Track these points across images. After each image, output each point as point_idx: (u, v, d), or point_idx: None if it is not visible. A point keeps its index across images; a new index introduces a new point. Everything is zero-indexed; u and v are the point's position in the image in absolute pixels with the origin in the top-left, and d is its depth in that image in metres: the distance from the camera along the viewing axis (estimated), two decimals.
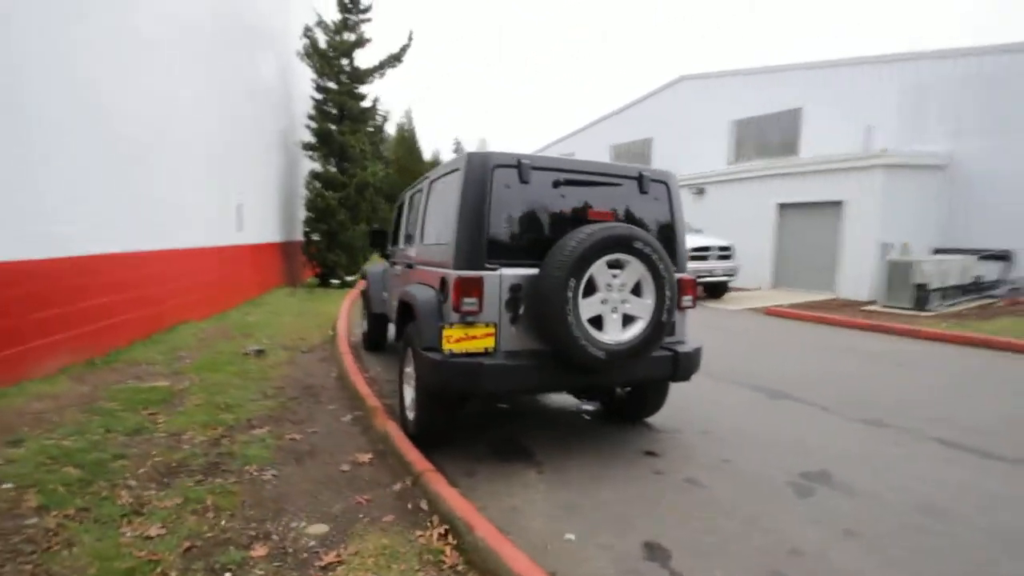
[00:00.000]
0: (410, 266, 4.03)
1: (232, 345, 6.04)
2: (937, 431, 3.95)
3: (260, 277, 9.95)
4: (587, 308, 2.92)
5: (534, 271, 3.01)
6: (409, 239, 4.42)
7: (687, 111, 20.73)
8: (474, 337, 2.92)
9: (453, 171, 3.27)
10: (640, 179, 3.39)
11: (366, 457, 3.18)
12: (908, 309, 10.28)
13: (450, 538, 2.33)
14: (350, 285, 12.18)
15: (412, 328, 3.39)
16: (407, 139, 31.71)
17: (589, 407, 4.39)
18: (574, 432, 3.84)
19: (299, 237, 12.24)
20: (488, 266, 2.97)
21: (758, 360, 6.27)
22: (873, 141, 15.07)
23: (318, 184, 11.22)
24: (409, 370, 3.63)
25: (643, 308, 3.06)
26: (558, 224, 3.14)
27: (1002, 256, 12.85)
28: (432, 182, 3.81)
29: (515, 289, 3.00)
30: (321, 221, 11.22)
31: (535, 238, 3.10)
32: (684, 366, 3.38)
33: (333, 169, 11.49)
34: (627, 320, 3.06)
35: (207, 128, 7.65)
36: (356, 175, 11.45)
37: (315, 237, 11.64)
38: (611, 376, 3.18)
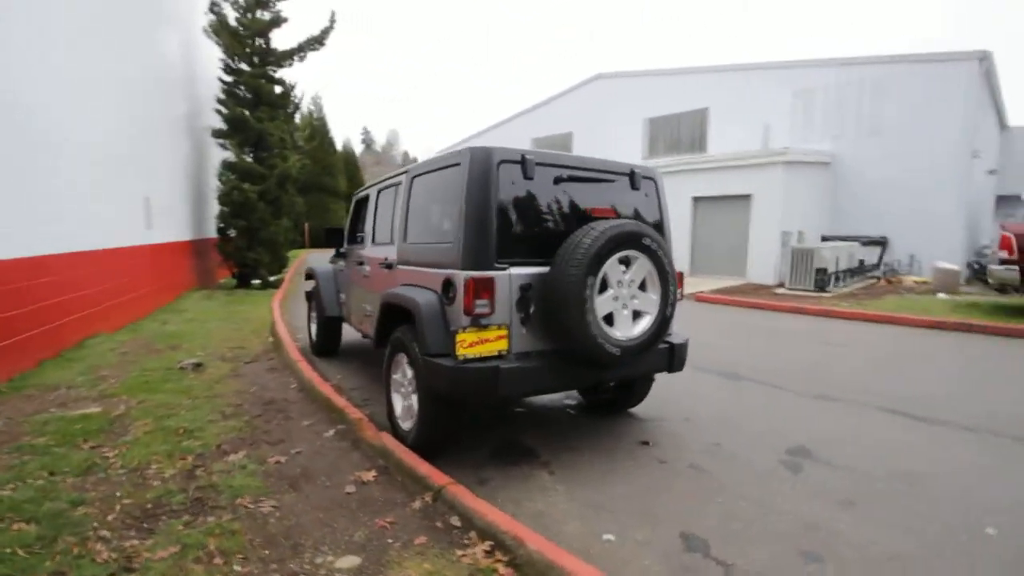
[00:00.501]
0: (389, 266, 3.78)
1: (160, 360, 5.35)
2: (878, 402, 4.43)
3: (173, 280, 8.90)
4: (601, 305, 2.91)
5: (543, 269, 2.95)
6: (382, 238, 4.15)
7: (605, 108, 21.49)
8: (487, 340, 2.81)
9: (450, 166, 3.10)
10: (632, 175, 3.43)
11: (369, 475, 2.95)
12: (810, 291, 11.45)
13: (498, 555, 2.22)
14: (274, 286, 11.29)
15: (407, 333, 3.19)
16: (317, 128, 29.91)
17: (571, 401, 4.42)
18: (566, 427, 3.84)
19: (211, 234, 11.11)
20: (498, 266, 2.85)
21: (707, 345, 6.67)
22: (770, 140, 16.62)
23: (233, 176, 10.21)
24: (398, 377, 3.43)
25: (650, 303, 3.11)
26: (563, 221, 3.09)
27: (880, 242, 14.76)
28: (415, 177, 3.59)
29: (525, 288, 2.92)
30: (239, 216, 10.25)
31: (542, 236, 3.03)
32: (679, 358, 3.50)
33: (250, 159, 10.51)
34: (635, 316, 3.10)
35: (103, 108, 6.66)
36: (276, 166, 10.58)
37: (231, 234, 10.62)
38: (619, 372, 3.21)
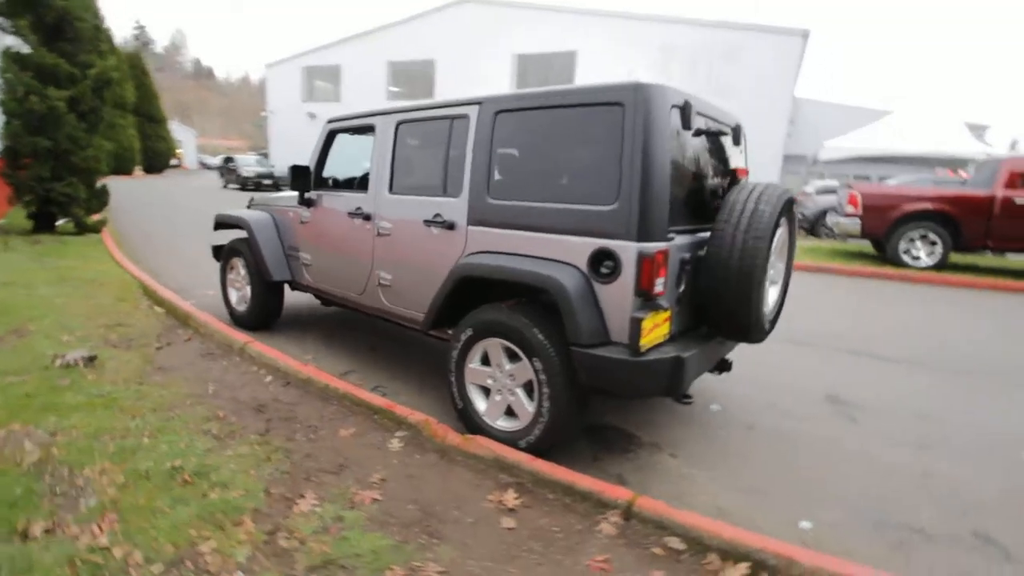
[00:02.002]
0: (449, 226, 2.93)
1: (14, 353, 3.59)
2: (838, 344, 5.06)
3: None
4: None
5: (697, 237, 2.57)
6: (415, 186, 3.20)
7: (472, 37, 20.22)
8: (658, 325, 2.36)
9: (596, 104, 2.41)
10: (738, 129, 3.14)
11: (510, 498, 2.34)
12: None
13: None
14: (94, 229, 8.47)
15: (518, 317, 2.54)
16: None
17: None
18: (632, 401, 3.59)
19: None
20: (669, 235, 2.37)
21: None
22: None
23: (27, 74, 7.03)
24: (477, 367, 2.78)
25: (779, 272, 2.94)
26: (712, 180, 2.70)
27: None
28: (501, 113, 2.75)
29: (685, 261, 2.50)
30: (39, 133, 7.21)
31: (695, 198, 2.61)
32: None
33: (51, 52, 7.31)
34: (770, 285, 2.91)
35: None
36: (93, 64, 7.62)
37: (23, 156, 7.49)
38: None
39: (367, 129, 3.60)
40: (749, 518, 2.37)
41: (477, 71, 20.12)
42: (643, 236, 2.27)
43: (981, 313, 6.64)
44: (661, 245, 2.29)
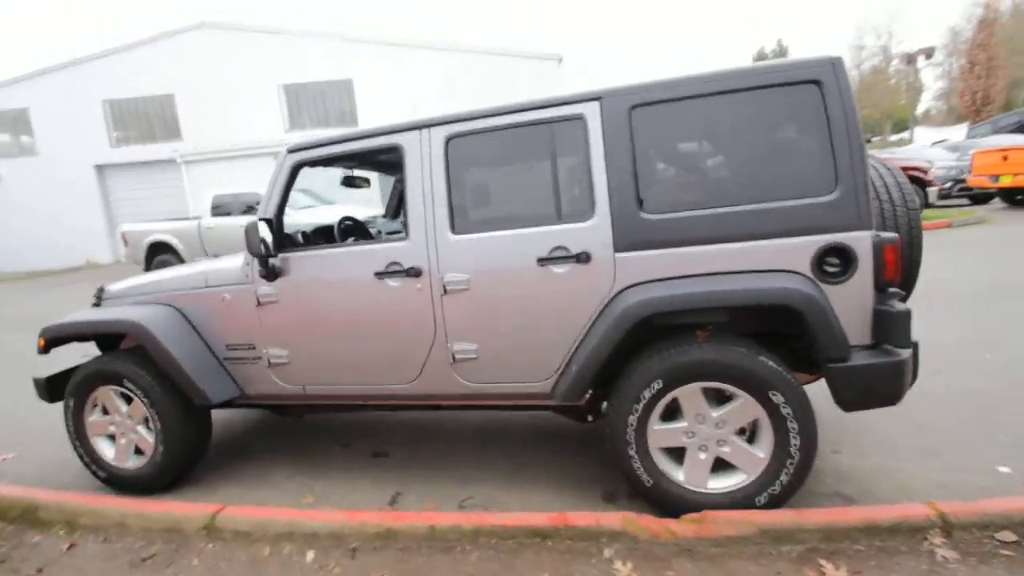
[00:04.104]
0: (584, 259, 2.23)
1: None
2: None
3: None
4: None
5: None
6: (506, 217, 2.37)
7: (223, 67, 17.42)
8: None
9: (782, 84, 2.08)
10: None
11: (832, 571, 1.86)
12: None
13: None
14: None
15: (732, 351, 2.09)
16: None
17: None
18: None
19: None
20: None
21: None
22: (419, 116, 17.49)
23: None
24: (665, 427, 2.24)
25: None
26: None
27: None
28: (638, 108, 2.19)
29: None
30: None
31: None
32: None
33: None
34: None
35: None
36: None
37: None
38: None
39: (376, 153, 2.56)
40: (970, 483, 2.37)
41: (235, 104, 17.40)
42: (873, 224, 2.06)
43: None
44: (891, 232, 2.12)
